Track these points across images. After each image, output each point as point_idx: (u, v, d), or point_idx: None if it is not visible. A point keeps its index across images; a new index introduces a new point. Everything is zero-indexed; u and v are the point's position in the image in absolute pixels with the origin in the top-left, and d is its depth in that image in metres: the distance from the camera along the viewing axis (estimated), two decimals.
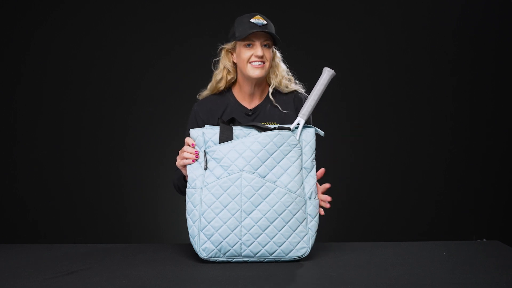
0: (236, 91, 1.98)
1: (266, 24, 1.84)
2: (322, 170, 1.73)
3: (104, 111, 3.49)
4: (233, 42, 1.89)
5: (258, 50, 1.84)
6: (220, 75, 1.95)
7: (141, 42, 3.48)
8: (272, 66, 1.94)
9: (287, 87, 1.97)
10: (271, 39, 1.88)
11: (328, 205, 1.70)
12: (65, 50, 3.46)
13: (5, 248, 1.87)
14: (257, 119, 1.93)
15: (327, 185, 1.75)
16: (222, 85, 1.96)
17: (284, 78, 1.96)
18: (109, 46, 3.48)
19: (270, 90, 1.94)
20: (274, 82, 1.94)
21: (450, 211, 3.50)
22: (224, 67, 1.94)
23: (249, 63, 1.86)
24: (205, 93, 2.00)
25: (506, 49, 3.47)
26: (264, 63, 1.86)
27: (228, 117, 1.91)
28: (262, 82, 1.95)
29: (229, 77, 1.95)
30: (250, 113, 1.94)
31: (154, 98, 3.49)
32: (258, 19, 1.84)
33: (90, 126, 3.48)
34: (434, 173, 3.51)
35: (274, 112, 1.94)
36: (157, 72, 3.49)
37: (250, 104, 1.96)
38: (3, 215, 3.45)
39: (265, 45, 1.86)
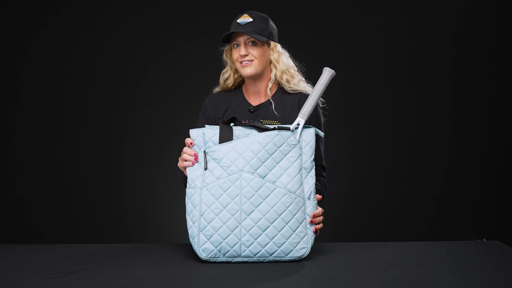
0: (244, 89, 2.00)
1: (250, 22, 1.84)
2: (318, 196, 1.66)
3: (105, 112, 3.49)
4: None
5: (241, 49, 1.86)
6: (228, 74, 1.99)
7: (141, 43, 3.48)
8: (272, 61, 1.93)
9: (290, 85, 1.94)
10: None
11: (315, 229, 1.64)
12: (66, 50, 3.46)
13: (5, 248, 1.87)
14: (259, 116, 1.93)
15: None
16: (230, 83, 1.99)
17: (285, 73, 1.93)
18: (109, 47, 3.48)
19: (270, 85, 1.93)
20: (273, 77, 1.93)
21: (450, 211, 3.50)
22: (230, 67, 1.98)
23: (239, 62, 1.89)
24: (217, 89, 2.04)
25: (506, 49, 3.47)
26: (252, 61, 1.87)
27: (232, 112, 1.93)
28: (265, 79, 1.94)
29: (236, 75, 1.99)
30: (252, 110, 1.94)
31: (154, 99, 3.49)
32: (243, 18, 1.86)
33: (90, 126, 3.48)
34: (434, 173, 3.50)
35: (277, 111, 1.92)
36: (158, 73, 3.49)
37: (255, 101, 1.97)
38: (3, 215, 3.45)
39: (251, 43, 1.87)
